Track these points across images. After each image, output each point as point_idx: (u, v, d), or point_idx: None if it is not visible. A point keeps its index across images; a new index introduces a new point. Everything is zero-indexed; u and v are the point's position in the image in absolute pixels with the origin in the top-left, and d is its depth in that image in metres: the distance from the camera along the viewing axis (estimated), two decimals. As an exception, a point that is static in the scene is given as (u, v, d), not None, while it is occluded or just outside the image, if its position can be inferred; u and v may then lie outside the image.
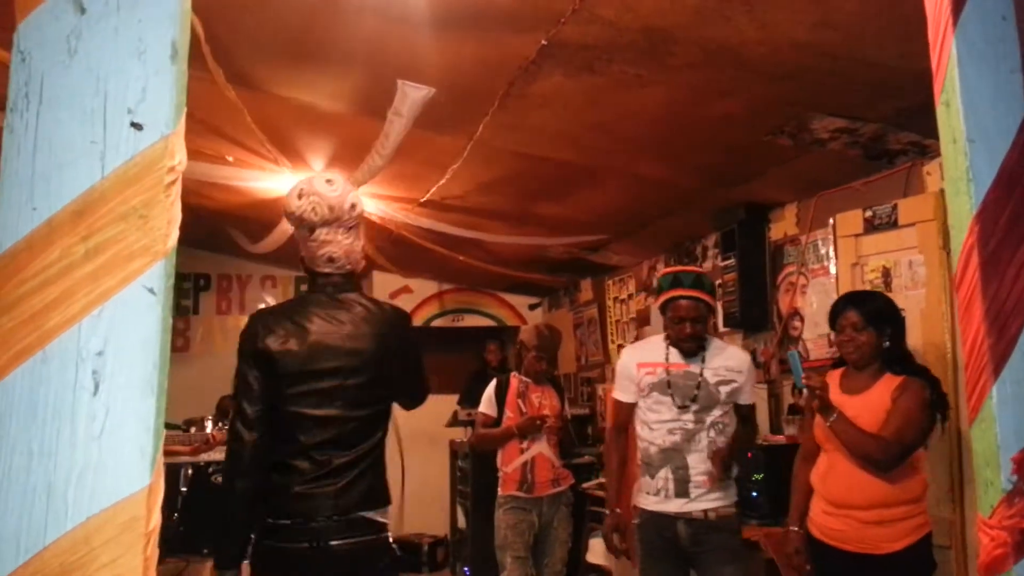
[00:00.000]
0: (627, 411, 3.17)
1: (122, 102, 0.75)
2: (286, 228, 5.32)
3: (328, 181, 2.25)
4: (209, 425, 5.53)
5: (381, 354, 2.21)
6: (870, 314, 2.68)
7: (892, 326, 2.70)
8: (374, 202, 4.88)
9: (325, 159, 4.31)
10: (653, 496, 3.05)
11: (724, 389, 3.02)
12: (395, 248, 5.95)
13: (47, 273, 0.73)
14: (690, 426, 2.99)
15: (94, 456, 0.72)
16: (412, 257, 6.26)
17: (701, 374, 3.02)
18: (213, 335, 8.10)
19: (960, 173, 0.97)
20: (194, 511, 6.10)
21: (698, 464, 2.98)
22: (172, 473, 5.90)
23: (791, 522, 2.85)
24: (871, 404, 2.62)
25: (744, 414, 3.15)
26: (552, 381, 4.27)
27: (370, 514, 2.19)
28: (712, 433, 3.00)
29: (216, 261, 8.00)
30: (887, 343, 2.67)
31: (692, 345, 3.03)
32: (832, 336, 2.80)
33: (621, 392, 3.19)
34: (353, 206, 2.25)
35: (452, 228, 4.99)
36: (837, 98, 2.94)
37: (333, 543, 2.09)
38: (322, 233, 2.21)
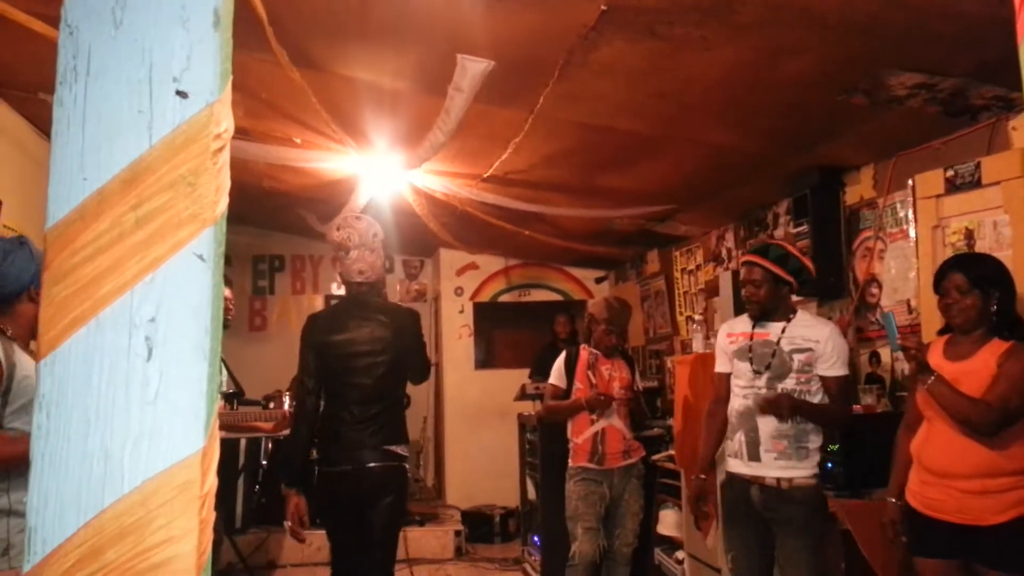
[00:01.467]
0: (723, 382, 3.24)
1: (167, 71, 0.76)
2: (354, 207, 5.40)
3: (357, 217, 3.43)
4: (287, 401, 5.68)
5: (395, 344, 3.24)
6: (977, 277, 2.57)
7: (1000, 290, 2.56)
8: (437, 179, 4.91)
9: (388, 137, 4.34)
10: (733, 458, 3.13)
11: (798, 357, 2.99)
12: (460, 225, 5.98)
13: (99, 242, 0.74)
14: (763, 391, 3.03)
15: (149, 421, 0.74)
16: (477, 233, 6.28)
17: (778, 342, 3.04)
18: (289, 314, 8.32)
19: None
20: (275, 485, 6.30)
21: (768, 427, 3.00)
22: (254, 448, 6.11)
23: (889, 493, 2.76)
24: (975, 370, 2.52)
25: (828, 387, 3.01)
26: (622, 353, 4.22)
27: (392, 447, 3.17)
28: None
29: (290, 242, 8.20)
30: (995, 307, 2.54)
31: (754, 309, 3.11)
32: (938, 300, 2.65)
33: (718, 363, 3.30)
34: (375, 234, 3.31)
35: (516, 203, 4.98)
36: (915, 52, 2.79)
37: (369, 465, 3.11)
38: (354, 254, 3.27)
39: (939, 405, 2.52)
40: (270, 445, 6.37)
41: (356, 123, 4.12)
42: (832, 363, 3.00)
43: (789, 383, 2.99)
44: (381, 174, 4.83)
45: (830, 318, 4.19)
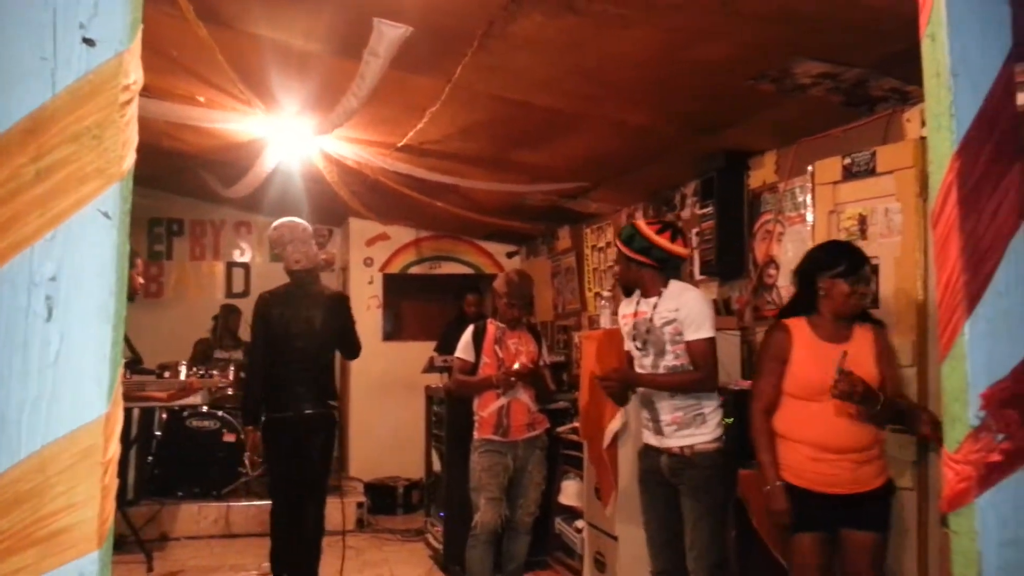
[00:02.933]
0: (629, 359, 3.35)
1: (73, 17, 0.71)
2: (260, 172, 5.23)
3: (291, 219, 4.40)
4: (184, 371, 5.50)
5: (327, 319, 4.26)
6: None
7: None
8: (350, 146, 4.80)
9: (299, 101, 4.21)
10: (645, 431, 3.26)
11: (667, 330, 3.12)
12: (371, 194, 5.88)
13: None
14: (650, 371, 3.18)
15: (49, 384, 0.70)
16: (389, 203, 6.19)
17: (651, 319, 3.16)
18: (187, 281, 8.03)
19: (943, 108, 0.95)
20: (169, 456, 6.11)
21: (664, 405, 3.13)
22: (147, 418, 5.89)
23: (772, 478, 2.80)
24: (858, 350, 2.75)
25: (688, 351, 3.08)
26: (529, 327, 4.27)
27: (325, 400, 4.24)
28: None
29: (189, 206, 7.89)
30: None
31: (619, 286, 3.43)
32: (843, 284, 2.77)
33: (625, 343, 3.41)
34: (304, 229, 4.33)
35: (430, 174, 4.93)
36: (821, 41, 2.89)
37: (307, 412, 4.14)
38: (290, 248, 4.26)
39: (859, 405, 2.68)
40: (164, 415, 6.17)
41: (265, 84, 3.98)
42: (690, 327, 3.07)
43: (669, 359, 3.12)
44: (290, 138, 4.69)
45: (729, 297, 4.36)
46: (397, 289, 7.48)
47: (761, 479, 2.85)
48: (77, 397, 0.70)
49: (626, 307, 3.37)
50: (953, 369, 0.93)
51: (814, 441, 2.74)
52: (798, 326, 2.85)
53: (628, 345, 3.32)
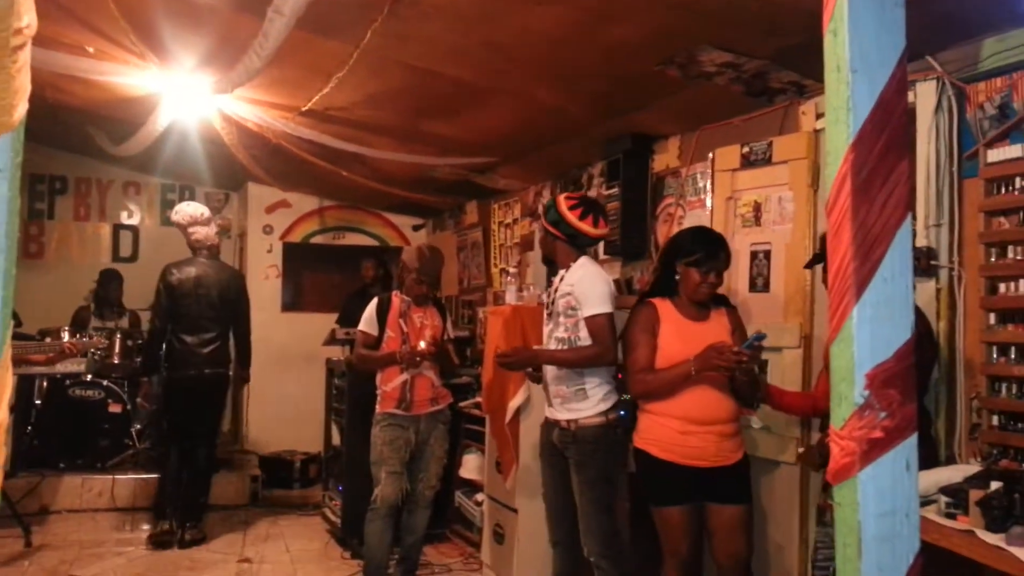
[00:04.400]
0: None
1: (-43, -50, 0.66)
2: (152, 130, 4.98)
3: (190, 204, 5.21)
4: (66, 335, 5.21)
5: (225, 292, 5.03)
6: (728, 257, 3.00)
7: None
8: (250, 107, 4.63)
9: (197, 57, 4.03)
10: (546, 404, 3.34)
11: (561, 303, 3.21)
12: (273, 159, 5.70)
13: None
14: (545, 340, 3.31)
15: None
16: (291, 170, 6.02)
17: (556, 291, 3.26)
18: (70, 242, 7.61)
19: (841, 102, 1.00)
20: (49, 425, 5.80)
21: (551, 376, 3.25)
22: (26, 385, 5.57)
23: (686, 367, 2.78)
24: (715, 329, 2.96)
25: (588, 329, 3.12)
26: (435, 302, 4.24)
27: (220, 363, 5.03)
28: (559, 348, 3.21)
29: (74, 163, 7.45)
30: None
31: (544, 260, 3.51)
32: (695, 272, 2.92)
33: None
34: (203, 213, 5.09)
35: (335, 141, 4.81)
36: (726, 32, 2.98)
37: (206, 372, 4.89)
38: (191, 229, 5.03)
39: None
40: (44, 384, 5.84)
41: (159, 37, 3.78)
42: (585, 303, 3.12)
43: (559, 331, 3.21)
44: (186, 96, 4.48)
45: (631, 277, 4.46)
46: (298, 259, 7.30)
47: (684, 377, 2.81)
48: None
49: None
50: (841, 351, 0.99)
51: (682, 414, 2.85)
52: (663, 305, 2.98)
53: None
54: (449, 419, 4.17)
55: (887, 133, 0.99)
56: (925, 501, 2.11)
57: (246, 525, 5.33)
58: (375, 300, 4.16)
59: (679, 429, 2.85)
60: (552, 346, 3.25)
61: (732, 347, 2.74)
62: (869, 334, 0.97)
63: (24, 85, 0.67)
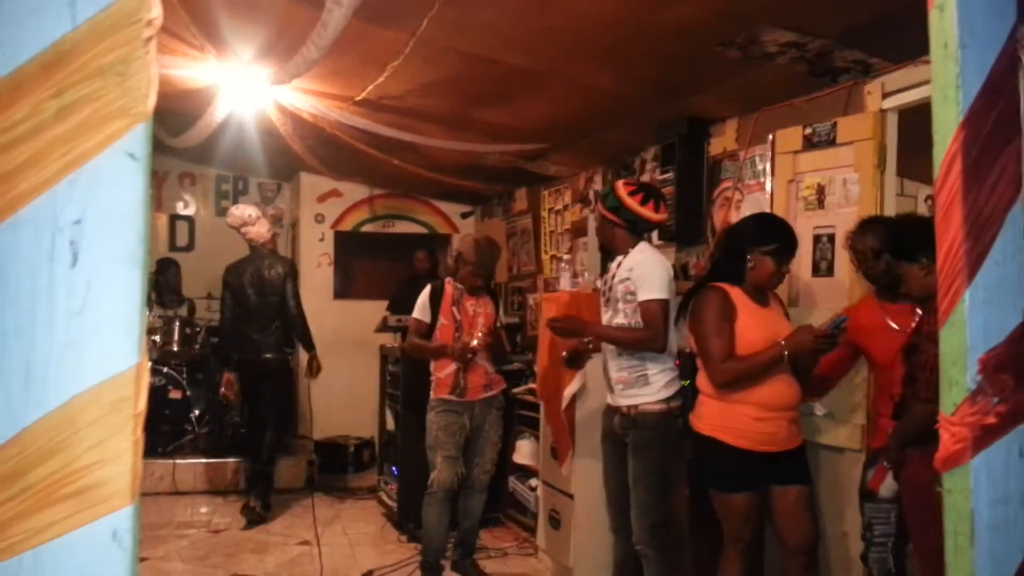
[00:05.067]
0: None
1: (91, -56, 0.67)
2: (209, 122, 5.06)
3: (240, 207, 5.50)
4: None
5: (276, 282, 5.29)
6: None
7: None
8: (305, 98, 4.67)
9: (255, 49, 4.07)
10: (607, 391, 3.32)
11: (620, 288, 3.18)
12: (325, 149, 5.75)
13: (15, 132, 0.65)
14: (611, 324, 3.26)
15: (75, 333, 0.67)
16: (343, 159, 6.07)
17: (613, 276, 3.24)
18: (130, 233, 7.77)
19: (949, 79, 0.97)
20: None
21: (613, 364, 3.22)
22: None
23: (778, 350, 2.75)
24: (779, 315, 3.02)
25: (641, 313, 3.11)
26: (488, 290, 4.24)
27: (283, 348, 5.40)
28: None
29: (132, 155, 7.60)
30: None
31: (601, 249, 3.42)
32: (770, 262, 2.90)
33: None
34: (250, 215, 5.37)
35: (388, 129, 4.83)
36: (790, 10, 2.92)
37: (266, 356, 5.26)
38: (244, 229, 5.33)
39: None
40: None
41: (218, 29, 3.83)
42: (642, 287, 3.10)
43: (619, 317, 3.19)
44: (243, 87, 4.54)
45: (687, 263, 4.42)
46: (349, 247, 7.37)
47: (776, 361, 2.76)
48: (106, 347, 0.67)
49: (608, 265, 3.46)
50: (952, 334, 0.96)
51: (758, 401, 2.81)
52: (733, 291, 2.91)
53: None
54: (503, 405, 4.19)
55: (997, 111, 0.96)
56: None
57: (304, 508, 5.42)
58: (428, 287, 4.17)
59: (754, 416, 2.81)
60: None
61: (822, 330, 2.70)
62: (982, 318, 0.94)
63: (155, 76, 0.68)
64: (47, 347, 0.66)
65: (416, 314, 4.12)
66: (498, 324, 4.16)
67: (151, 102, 0.68)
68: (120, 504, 0.66)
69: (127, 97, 0.66)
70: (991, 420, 0.93)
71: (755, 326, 2.85)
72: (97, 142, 0.66)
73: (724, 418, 2.86)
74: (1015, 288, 0.96)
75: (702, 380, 2.97)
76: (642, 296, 3.10)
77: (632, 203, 3.17)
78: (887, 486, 2.79)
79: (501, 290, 6.80)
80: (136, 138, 0.67)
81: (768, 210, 3.74)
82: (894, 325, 2.85)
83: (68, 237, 0.66)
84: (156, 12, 0.67)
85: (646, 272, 3.12)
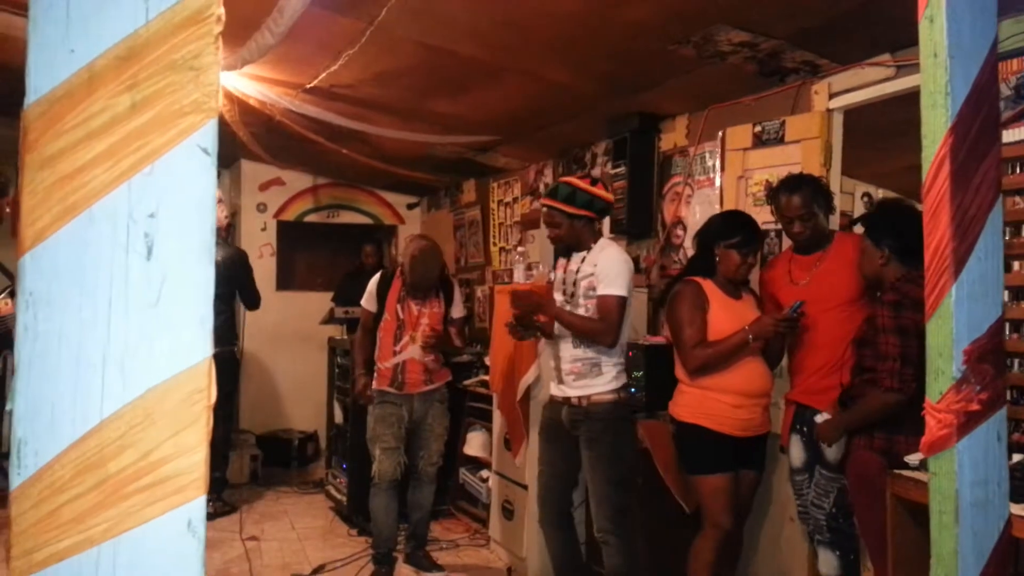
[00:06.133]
0: None
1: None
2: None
3: None
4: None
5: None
6: None
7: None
8: (254, 84, 4.58)
9: (205, 34, 3.98)
10: (551, 382, 3.36)
11: (583, 283, 3.23)
12: (271, 136, 5.65)
13: (90, 125, 0.64)
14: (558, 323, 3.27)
15: (151, 325, 0.67)
16: (289, 147, 5.97)
17: (577, 272, 3.26)
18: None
19: (939, 87, 1.03)
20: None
21: (566, 353, 3.23)
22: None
23: (743, 334, 2.92)
24: (751, 305, 3.19)
25: (598, 306, 3.16)
26: (441, 283, 4.12)
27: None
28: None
29: None
30: None
31: (559, 247, 3.39)
32: (735, 254, 3.12)
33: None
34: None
35: (338, 118, 4.78)
36: (745, 11, 3.01)
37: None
38: None
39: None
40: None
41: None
42: (602, 282, 3.16)
43: (580, 311, 3.22)
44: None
45: (638, 256, 4.51)
46: (291, 237, 7.25)
47: (742, 346, 2.93)
48: (181, 339, 0.67)
49: (565, 260, 3.42)
50: (939, 327, 1.03)
51: (736, 389, 2.98)
52: (706, 284, 3.08)
53: (557, 296, 3.36)
54: (446, 397, 4.15)
55: (981, 117, 1.03)
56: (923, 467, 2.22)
57: (248, 503, 5.35)
58: (378, 275, 4.15)
59: (732, 403, 2.97)
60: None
61: (783, 316, 2.88)
62: (966, 312, 1.01)
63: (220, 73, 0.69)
64: (123, 339, 0.66)
65: (364, 302, 4.10)
66: (448, 319, 4.11)
67: (220, 98, 0.68)
68: (194, 495, 0.67)
69: (199, 92, 0.67)
70: (974, 407, 1.00)
71: (726, 316, 3.00)
72: (171, 136, 0.67)
73: (703, 405, 3.01)
74: (995, 283, 1.04)
75: (680, 370, 3.12)
76: (602, 290, 3.15)
77: (600, 191, 3.27)
78: (800, 457, 2.98)
79: (448, 282, 6.80)
80: (208, 133, 0.68)
81: (717, 204, 3.86)
82: (794, 280, 3.06)
83: (143, 230, 0.66)
84: (221, 9, 0.67)
85: (610, 267, 3.17)
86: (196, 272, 0.68)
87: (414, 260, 3.90)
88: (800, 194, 3.00)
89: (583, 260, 3.25)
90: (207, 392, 0.67)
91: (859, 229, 2.89)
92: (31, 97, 0.64)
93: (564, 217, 3.24)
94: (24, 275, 0.65)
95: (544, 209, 3.37)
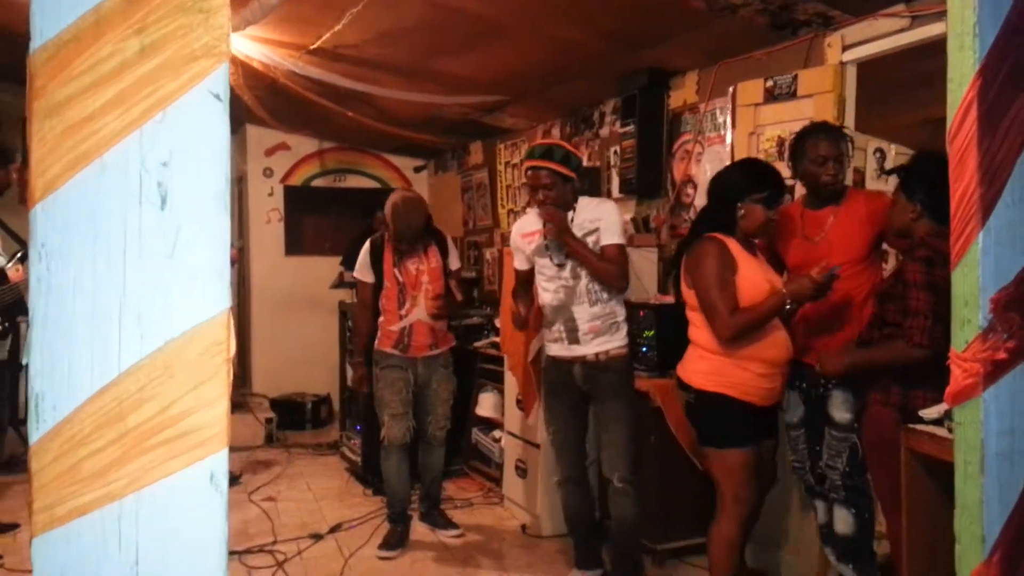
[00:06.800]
0: (523, 277, 3.47)
1: None
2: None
3: None
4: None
5: None
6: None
7: None
8: (258, 46, 4.53)
9: (207, -5, 3.92)
10: (554, 343, 3.35)
11: (590, 239, 3.21)
12: (275, 100, 5.60)
13: (99, 70, 0.62)
14: (570, 282, 3.25)
15: (168, 276, 0.65)
16: (293, 111, 5.92)
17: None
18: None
19: (966, 28, 1.00)
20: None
21: (583, 314, 3.24)
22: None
23: (780, 296, 2.69)
24: (768, 264, 3.00)
25: (608, 253, 3.17)
26: (432, 236, 4.05)
27: None
28: (591, 284, 3.22)
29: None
30: None
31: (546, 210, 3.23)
32: (761, 210, 2.85)
33: (516, 262, 3.49)
34: None
35: (344, 80, 4.73)
36: (759, -38, 2.94)
37: None
38: None
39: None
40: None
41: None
42: (606, 232, 3.20)
43: (583, 273, 3.20)
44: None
45: (648, 216, 4.47)
46: (299, 202, 7.23)
47: (780, 309, 2.71)
48: (198, 291, 0.66)
49: (526, 225, 3.40)
50: (965, 275, 1.01)
51: (764, 356, 2.75)
52: (730, 242, 2.81)
53: (527, 262, 3.38)
54: (450, 362, 4.10)
55: (1010, 60, 1.00)
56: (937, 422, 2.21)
57: (265, 465, 5.41)
58: (368, 243, 4.02)
59: (759, 371, 2.75)
60: (591, 286, 3.20)
61: (821, 278, 2.63)
62: (993, 259, 0.99)
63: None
64: (139, 291, 0.65)
65: (358, 274, 4.01)
66: (448, 270, 4.04)
67: (231, 41, 0.66)
68: (216, 448, 0.66)
69: (210, 35, 0.65)
70: (1001, 356, 0.99)
71: (754, 278, 2.75)
72: (182, 82, 0.65)
73: (729, 374, 2.76)
74: (1023, 230, 1.02)
75: (701, 334, 2.84)
76: (607, 240, 3.19)
77: (575, 150, 3.34)
78: (796, 412, 2.98)
79: (458, 244, 6.78)
80: (220, 78, 0.66)
81: (728, 162, 3.81)
82: (808, 235, 2.97)
83: (156, 179, 0.65)
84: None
85: (613, 219, 3.24)
86: (212, 222, 0.66)
87: (395, 208, 3.83)
88: (835, 136, 2.93)
89: (571, 220, 3.22)
90: (227, 344, 0.66)
91: (893, 181, 2.75)
92: (37, 42, 0.62)
93: (560, 179, 3.20)
94: (36, 227, 0.63)
95: (539, 171, 3.21)
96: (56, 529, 0.63)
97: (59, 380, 0.63)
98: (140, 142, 0.65)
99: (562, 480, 3.45)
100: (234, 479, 4.96)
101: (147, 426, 0.65)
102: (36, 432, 0.64)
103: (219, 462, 0.67)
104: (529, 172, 3.28)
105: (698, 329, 2.86)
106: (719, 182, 2.94)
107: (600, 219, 3.22)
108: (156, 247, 0.65)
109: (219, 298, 0.67)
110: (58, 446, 0.63)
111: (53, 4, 0.62)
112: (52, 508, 0.63)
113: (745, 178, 2.87)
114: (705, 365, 2.82)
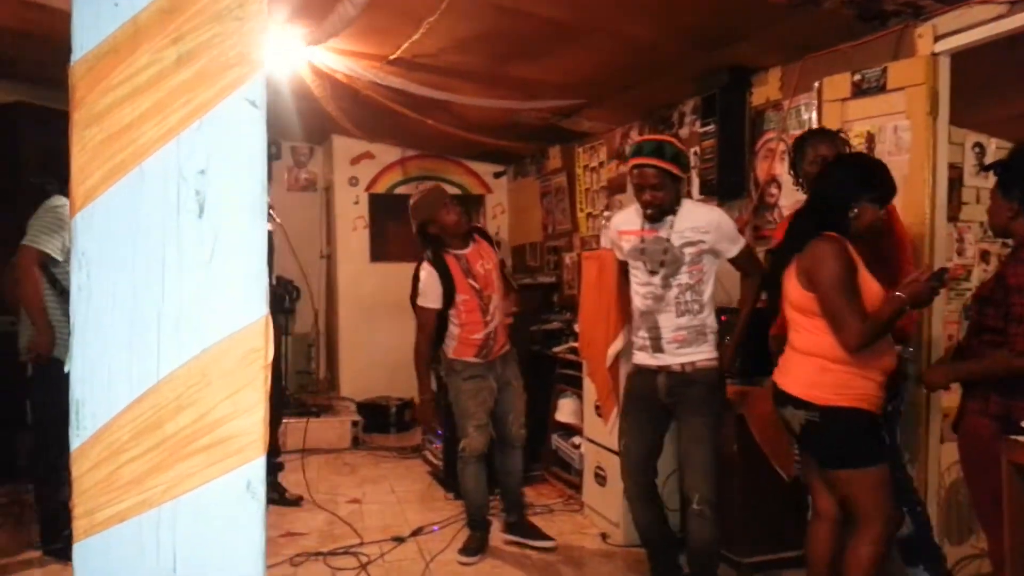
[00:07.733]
0: (621, 267, 3.37)
1: None
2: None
3: None
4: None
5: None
6: None
7: None
8: (340, 58, 4.64)
9: (289, 8, 4.03)
10: (639, 352, 3.21)
11: (689, 251, 3.03)
12: (359, 110, 5.73)
13: (138, 79, 0.64)
14: (659, 290, 3.10)
15: (205, 284, 0.66)
16: (376, 121, 6.04)
17: (668, 239, 3.06)
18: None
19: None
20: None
21: (668, 323, 3.09)
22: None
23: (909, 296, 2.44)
24: None
25: (739, 264, 3.13)
26: (478, 232, 4.03)
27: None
28: (681, 295, 3.06)
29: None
30: None
31: (653, 212, 3.06)
32: (874, 210, 2.60)
33: (612, 250, 3.45)
34: None
35: (423, 88, 4.79)
36: (843, -49, 2.83)
37: None
38: None
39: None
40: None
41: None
42: (728, 244, 3.07)
43: (683, 278, 3.05)
44: (278, 49, 4.50)
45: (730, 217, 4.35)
46: (383, 209, 7.37)
47: (899, 314, 2.49)
48: (236, 298, 0.66)
49: (626, 223, 3.22)
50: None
51: (882, 365, 2.55)
52: (846, 243, 2.55)
53: (629, 261, 3.22)
54: (515, 354, 4.09)
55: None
56: None
57: (351, 468, 5.52)
58: (427, 272, 3.81)
59: (879, 380, 2.54)
60: (681, 296, 3.06)
61: (934, 279, 2.43)
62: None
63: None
64: (177, 299, 0.66)
65: (423, 302, 3.82)
66: (499, 262, 4.01)
67: (266, 50, 0.66)
68: (253, 455, 0.66)
69: (245, 43, 0.65)
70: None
71: (872, 283, 2.54)
72: (219, 90, 0.65)
73: (858, 387, 2.52)
74: None
75: (819, 341, 2.55)
76: (737, 247, 3.10)
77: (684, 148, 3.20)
78: None
79: (537, 249, 6.78)
80: (256, 85, 0.66)
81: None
82: None
83: (193, 187, 0.66)
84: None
85: (729, 226, 3.10)
86: (248, 229, 0.67)
87: (416, 202, 3.89)
88: (834, 139, 2.93)
89: (672, 225, 3.06)
90: (264, 351, 0.66)
91: (991, 178, 2.56)
92: (77, 54, 0.64)
93: (669, 179, 3.00)
94: (77, 235, 0.65)
95: (647, 170, 2.98)
96: (95, 535, 0.64)
97: (98, 387, 0.65)
98: (178, 150, 0.66)
99: (628, 496, 3.34)
100: (294, 501, 4.70)
101: (184, 433, 0.65)
102: (76, 439, 0.65)
103: (256, 469, 0.67)
104: (635, 170, 3.03)
105: (812, 335, 2.57)
106: (828, 182, 2.67)
107: (708, 232, 3.02)
108: (194, 255, 0.66)
109: (256, 305, 0.67)
110: (97, 453, 0.64)
111: (92, 16, 0.64)
112: (92, 514, 0.64)
113: (859, 177, 2.62)
114: (832, 378, 2.53)
